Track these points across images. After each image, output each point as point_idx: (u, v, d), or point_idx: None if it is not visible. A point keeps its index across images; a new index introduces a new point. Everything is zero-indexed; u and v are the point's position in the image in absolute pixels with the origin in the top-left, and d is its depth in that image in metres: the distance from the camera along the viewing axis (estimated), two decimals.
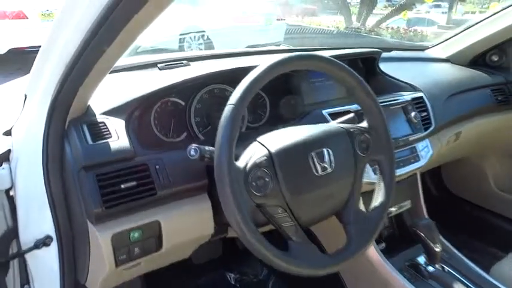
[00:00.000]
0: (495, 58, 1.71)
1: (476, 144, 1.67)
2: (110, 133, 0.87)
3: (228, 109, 0.74)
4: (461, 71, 1.67)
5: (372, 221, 0.87)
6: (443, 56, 1.77)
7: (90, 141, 0.84)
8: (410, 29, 7.98)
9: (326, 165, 0.82)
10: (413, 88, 1.37)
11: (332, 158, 0.82)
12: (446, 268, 1.18)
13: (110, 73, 1.16)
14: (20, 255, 0.98)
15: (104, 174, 0.82)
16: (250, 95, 0.75)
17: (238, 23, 5.55)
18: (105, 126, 0.88)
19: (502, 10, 1.58)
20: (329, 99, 1.32)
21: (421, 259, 1.22)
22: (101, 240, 0.83)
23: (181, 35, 4.62)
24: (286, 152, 0.79)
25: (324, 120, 1.12)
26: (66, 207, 0.89)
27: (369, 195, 0.93)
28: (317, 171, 0.80)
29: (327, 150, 0.82)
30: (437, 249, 1.13)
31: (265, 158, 0.77)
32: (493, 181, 1.80)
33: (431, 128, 1.30)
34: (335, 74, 0.87)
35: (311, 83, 1.33)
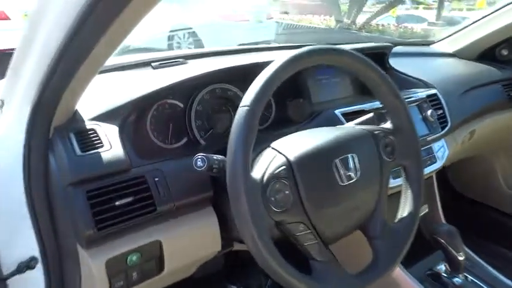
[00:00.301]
0: (505, 52, 1.64)
1: (488, 142, 1.60)
2: (101, 142, 0.77)
3: (242, 112, 0.63)
4: (470, 66, 1.60)
5: (400, 234, 0.77)
6: (450, 51, 1.70)
7: (78, 152, 0.73)
8: (400, 25, 7.96)
9: (351, 174, 0.72)
10: (426, 84, 1.29)
11: (357, 164, 0.73)
12: (470, 277, 1.10)
13: (99, 73, 1.06)
14: (1, 280, 0.87)
15: (95, 190, 0.71)
16: (266, 95, 0.65)
17: (228, 21, 5.46)
18: (95, 134, 0.78)
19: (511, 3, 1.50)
20: (337, 97, 1.23)
21: (441, 268, 1.14)
22: (93, 267, 0.72)
23: (170, 31, 4.49)
24: (308, 159, 0.69)
25: (337, 121, 1.03)
26: (53, 227, 0.78)
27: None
28: (342, 181, 0.71)
29: (352, 157, 0.73)
30: (460, 258, 1.05)
31: (284, 167, 0.67)
32: (503, 180, 1.73)
33: (447, 127, 1.22)
34: (357, 69, 0.77)
35: (317, 80, 1.23)
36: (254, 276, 1.53)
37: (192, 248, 0.84)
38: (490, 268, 1.13)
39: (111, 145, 0.77)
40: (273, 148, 0.72)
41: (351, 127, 0.85)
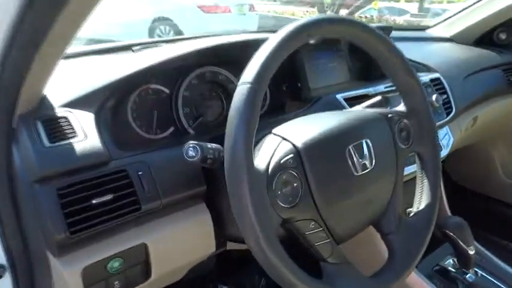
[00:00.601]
0: (503, 36, 1.57)
1: (490, 129, 1.54)
2: (74, 131, 0.66)
3: (242, 90, 0.53)
4: (469, 50, 1.53)
5: (418, 229, 0.69)
6: (447, 35, 1.63)
7: (46, 143, 0.62)
8: (383, 17, 7.97)
9: (366, 162, 0.63)
10: (428, 68, 1.21)
11: (372, 152, 0.64)
12: (480, 272, 1.03)
13: (74, 57, 0.95)
14: None
15: (67, 188, 0.61)
16: (271, 71, 0.55)
17: (211, 14, 5.33)
18: (67, 122, 0.67)
19: None
20: (336, 83, 1.14)
21: (449, 262, 1.07)
22: (67, 276, 0.61)
23: (152, 24, 4.36)
24: (318, 146, 0.60)
25: (339, 106, 0.94)
26: (20, 232, 0.67)
27: None
28: (356, 171, 0.62)
29: (366, 143, 0.64)
30: (471, 252, 0.97)
31: (291, 155, 0.57)
32: (501, 169, 1.68)
33: (452, 113, 1.14)
34: (369, 43, 0.68)
35: (313, 65, 1.14)
36: (247, 275, 1.44)
37: (182, 251, 0.74)
38: (500, 262, 1.07)
39: (85, 135, 0.66)
40: (275, 134, 0.62)
41: (360, 110, 0.76)
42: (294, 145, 0.59)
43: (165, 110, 0.86)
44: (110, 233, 0.65)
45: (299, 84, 1.00)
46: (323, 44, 1.10)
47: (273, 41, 0.56)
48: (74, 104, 0.70)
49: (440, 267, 1.06)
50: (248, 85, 0.53)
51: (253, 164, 0.52)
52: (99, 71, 0.80)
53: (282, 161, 0.56)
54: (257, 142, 0.63)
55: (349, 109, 0.77)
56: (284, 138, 0.60)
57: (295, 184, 0.56)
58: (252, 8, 5.91)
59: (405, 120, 0.71)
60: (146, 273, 0.70)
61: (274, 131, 0.64)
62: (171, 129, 0.86)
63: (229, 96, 0.94)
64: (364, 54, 1.21)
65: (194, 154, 0.58)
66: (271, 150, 0.58)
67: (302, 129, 0.62)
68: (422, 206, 0.71)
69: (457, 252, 1.00)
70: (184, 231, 0.73)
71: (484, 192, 1.71)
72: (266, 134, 0.64)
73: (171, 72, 0.86)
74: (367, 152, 0.63)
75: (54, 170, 0.61)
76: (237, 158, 0.50)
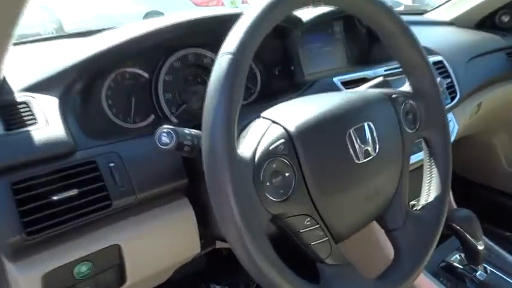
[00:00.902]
0: (505, 19, 1.50)
1: (493, 117, 1.46)
2: (34, 117, 0.58)
3: (222, 62, 0.45)
4: (471, 33, 1.46)
5: (427, 224, 0.61)
6: (447, 19, 1.55)
7: (0, 131, 0.54)
8: None
9: (369, 148, 0.55)
10: (429, 51, 1.13)
11: (375, 136, 0.56)
12: (489, 268, 0.95)
13: (39, 41, 0.86)
14: None
15: (24, 182, 0.52)
16: (255, 41, 0.47)
17: (202, 6, 5.23)
18: (26, 108, 0.59)
19: None
20: (332, 68, 1.06)
21: (456, 258, 0.99)
22: (24, 284, 0.53)
23: (145, 16, 4.25)
24: (313, 129, 0.51)
25: (336, 89, 0.86)
26: None
27: None
28: (358, 158, 0.54)
29: (368, 126, 0.56)
30: (480, 247, 0.90)
31: (282, 140, 0.49)
32: (504, 159, 1.61)
33: (457, 98, 1.07)
34: (371, 15, 0.59)
35: (307, 50, 1.06)
36: (241, 274, 1.36)
37: (162, 253, 0.66)
38: (509, 257, 0.99)
39: (47, 121, 0.58)
40: (264, 118, 0.54)
41: (362, 90, 0.68)
42: (285, 129, 0.50)
43: (144, 96, 0.78)
44: (75, 234, 0.56)
45: (292, 68, 0.92)
46: (317, 27, 1.02)
47: (258, 6, 0.48)
48: (36, 87, 0.62)
49: (446, 263, 0.98)
50: (229, 56, 0.44)
51: (235, 149, 0.44)
52: (66, 52, 0.72)
53: (271, 147, 0.48)
54: (243, 128, 0.55)
55: (351, 90, 0.69)
56: (274, 122, 0.52)
57: (287, 174, 0.48)
58: (244, 0, 5.81)
59: (411, 102, 0.63)
60: (121, 278, 0.62)
61: (263, 114, 0.55)
62: (151, 117, 0.78)
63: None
64: (362, 38, 1.12)
65: (168, 141, 0.50)
66: (259, 135, 0.49)
67: (295, 111, 0.54)
68: (431, 198, 0.63)
69: (465, 247, 0.93)
70: (164, 231, 0.64)
71: (488, 183, 1.64)
72: (254, 119, 0.56)
73: (150, 54, 0.77)
74: (369, 137, 0.55)
75: (9, 161, 0.53)
76: (216, 142, 0.42)
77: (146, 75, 0.78)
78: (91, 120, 0.69)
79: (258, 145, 0.48)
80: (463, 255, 0.98)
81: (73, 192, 0.55)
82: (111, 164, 0.59)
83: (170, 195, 0.64)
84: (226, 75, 0.43)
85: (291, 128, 0.50)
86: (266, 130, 0.50)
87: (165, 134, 0.50)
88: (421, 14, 1.65)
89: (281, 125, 0.51)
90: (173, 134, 0.50)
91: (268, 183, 0.47)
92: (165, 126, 0.51)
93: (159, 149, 0.52)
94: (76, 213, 0.55)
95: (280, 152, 0.48)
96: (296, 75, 0.94)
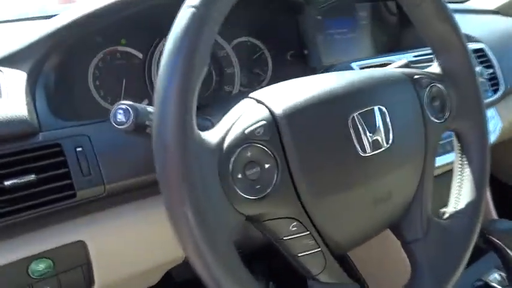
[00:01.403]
0: None
1: None
2: None
3: (183, 16, 0.35)
4: None
5: (454, 236, 0.50)
6: (491, 7, 1.39)
7: None
8: None
9: (379, 138, 0.44)
10: (469, 38, 1.00)
11: (389, 124, 0.45)
12: None
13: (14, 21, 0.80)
14: None
15: None
16: None
17: None
18: None
19: None
20: (354, 56, 0.95)
21: (495, 277, 0.86)
22: None
23: None
24: (305, 112, 0.41)
25: None
26: None
27: None
28: (363, 149, 0.43)
29: (380, 110, 0.45)
30: None
31: (263, 122, 0.39)
32: None
33: (501, 91, 0.93)
34: None
35: (328, 35, 0.95)
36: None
37: (137, 253, 0.58)
38: None
39: (9, 97, 0.51)
40: (250, 97, 0.44)
41: (377, 69, 0.56)
42: (269, 109, 0.40)
43: (137, 78, 0.72)
44: (31, 226, 0.49)
45: (306, 52, 0.82)
46: (339, 11, 0.92)
47: None
48: (5, 61, 0.56)
49: (483, 282, 0.86)
50: (192, 9, 0.35)
51: (193, 128, 0.34)
52: (42, 25, 0.65)
53: (247, 131, 0.38)
54: (228, 109, 0.45)
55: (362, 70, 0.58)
56: (259, 101, 0.42)
57: (266, 165, 0.38)
58: None
59: (439, 85, 0.51)
60: (89, 279, 0.55)
61: (251, 94, 0.46)
62: (145, 102, 0.71)
63: (217, 62, 0.78)
64: (391, 25, 1.00)
65: (124, 119, 0.41)
66: (235, 117, 0.40)
67: (286, 91, 0.44)
68: (461, 205, 0.52)
69: (505, 264, 0.80)
70: (138, 229, 0.56)
71: None
72: (242, 98, 0.46)
73: (145, 33, 0.70)
74: (381, 124, 0.44)
75: None
76: (166, 118, 0.33)
77: (140, 55, 0.72)
78: (72, 101, 0.63)
79: (230, 127, 0.38)
80: (503, 274, 0.85)
81: (29, 178, 0.47)
82: (79, 149, 0.51)
83: (146, 188, 0.56)
84: (186, 33, 0.34)
85: (277, 109, 0.40)
86: (245, 111, 0.40)
87: (121, 111, 0.41)
88: (462, 1, 1.50)
89: (265, 105, 0.41)
90: (131, 112, 0.41)
91: (239, 175, 0.37)
92: (123, 102, 0.42)
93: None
94: (32, 202, 0.48)
95: (258, 137, 0.38)
96: (311, 60, 0.84)
